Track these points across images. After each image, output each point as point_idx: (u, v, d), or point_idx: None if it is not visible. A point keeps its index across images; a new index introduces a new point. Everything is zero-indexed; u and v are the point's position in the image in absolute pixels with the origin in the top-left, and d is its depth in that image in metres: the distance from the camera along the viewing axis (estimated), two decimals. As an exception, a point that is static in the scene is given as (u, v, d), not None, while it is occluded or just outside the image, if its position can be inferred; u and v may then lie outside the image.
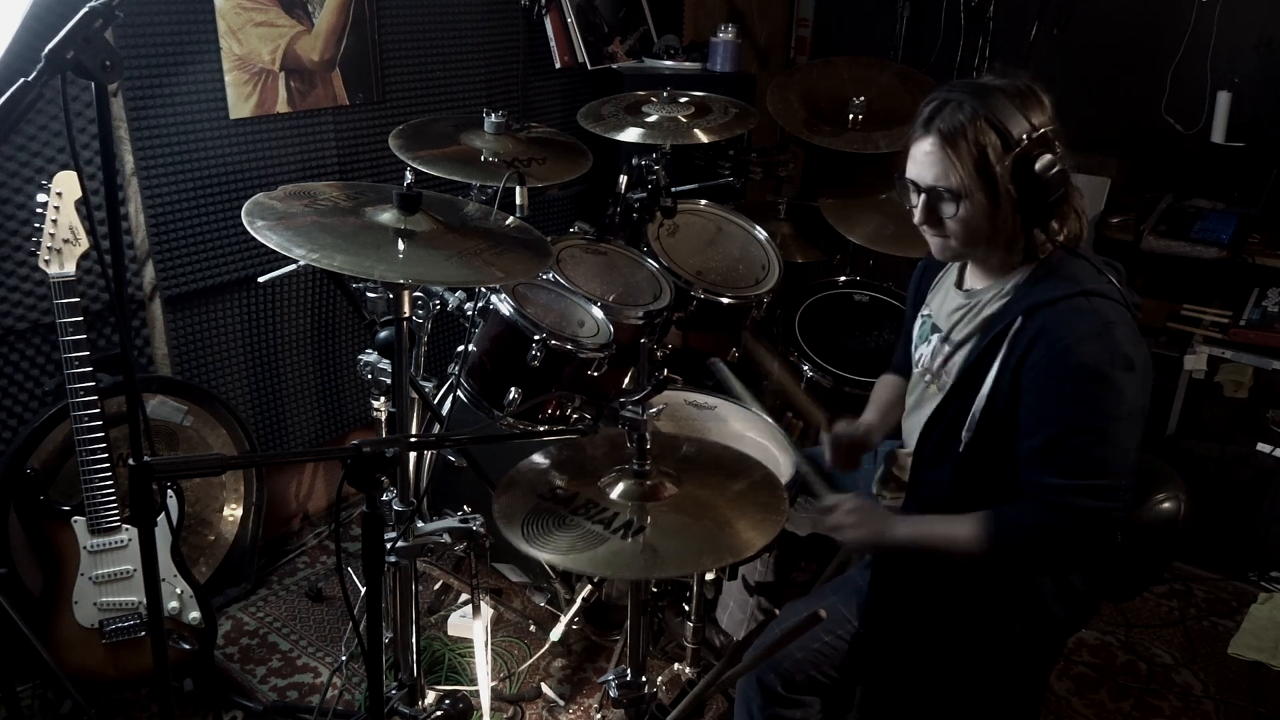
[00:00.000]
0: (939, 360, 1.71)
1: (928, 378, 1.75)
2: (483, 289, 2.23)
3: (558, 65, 3.27)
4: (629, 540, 1.46)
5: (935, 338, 1.75)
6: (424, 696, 2.09)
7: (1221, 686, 2.55)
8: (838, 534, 1.70)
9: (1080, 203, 1.61)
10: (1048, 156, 1.51)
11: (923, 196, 1.59)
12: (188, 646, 2.18)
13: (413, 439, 2.15)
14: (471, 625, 2.29)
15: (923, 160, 1.57)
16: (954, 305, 1.72)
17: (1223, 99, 3.32)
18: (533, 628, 2.53)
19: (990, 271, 1.67)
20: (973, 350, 1.62)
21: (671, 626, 2.34)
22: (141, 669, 2.15)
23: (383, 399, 2.27)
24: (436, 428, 2.24)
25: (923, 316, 1.83)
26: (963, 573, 1.65)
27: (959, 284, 1.75)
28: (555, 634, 2.32)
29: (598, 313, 2.36)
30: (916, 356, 1.81)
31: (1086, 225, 1.63)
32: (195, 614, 2.18)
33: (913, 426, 1.78)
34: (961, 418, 1.61)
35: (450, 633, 2.53)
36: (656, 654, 2.45)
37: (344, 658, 2.38)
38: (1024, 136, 1.51)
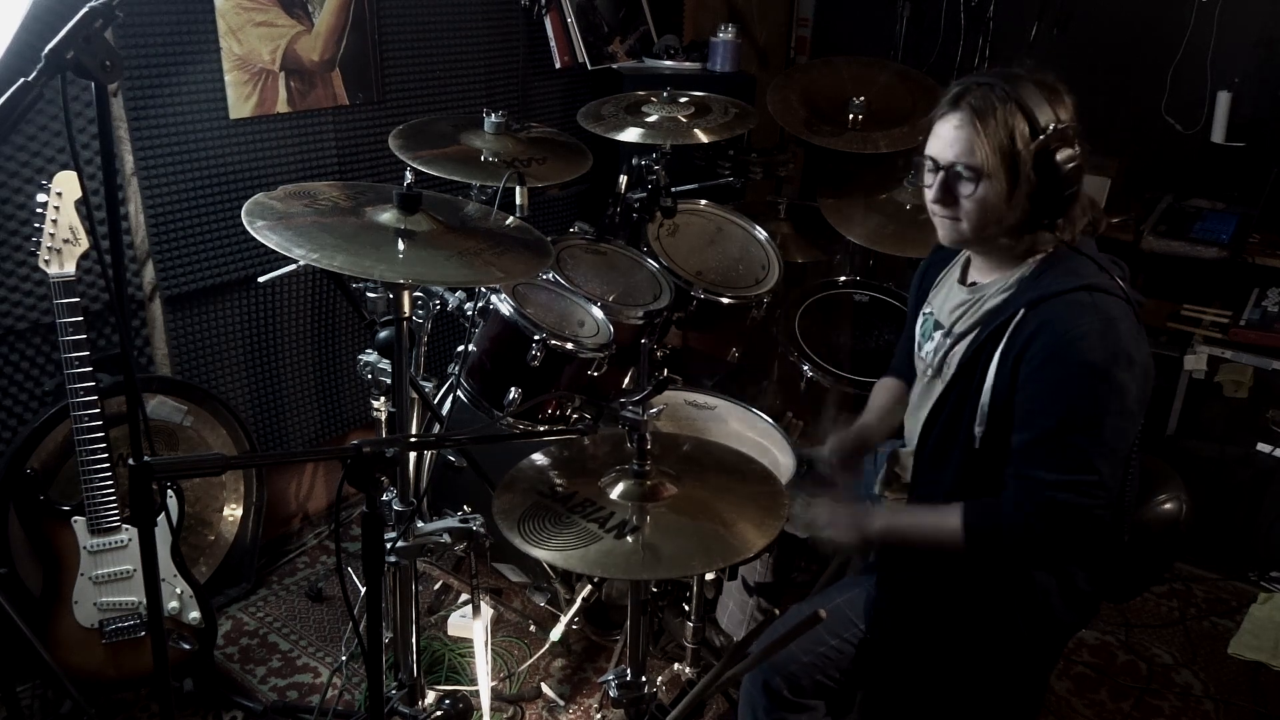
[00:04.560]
0: (940, 354, 1.71)
1: (930, 373, 1.74)
2: (483, 289, 2.23)
3: (558, 65, 3.27)
4: (622, 540, 1.46)
5: (938, 334, 1.75)
6: (424, 696, 2.09)
7: (1221, 686, 2.55)
8: (820, 536, 1.70)
9: (1091, 201, 1.62)
10: (1068, 150, 1.53)
11: (940, 174, 1.58)
12: (188, 646, 2.18)
13: (413, 439, 2.15)
14: (471, 625, 2.29)
15: (948, 137, 1.56)
16: (957, 300, 1.72)
17: (1223, 99, 3.32)
18: (533, 628, 2.53)
19: (994, 266, 1.67)
20: (973, 342, 1.62)
21: (671, 626, 2.34)
22: (141, 669, 2.15)
23: (383, 399, 2.27)
24: (436, 428, 2.24)
25: (924, 315, 1.83)
26: (968, 574, 1.65)
27: (962, 280, 1.74)
28: (555, 634, 2.32)
29: (598, 313, 2.36)
30: (922, 354, 1.81)
31: (1101, 221, 1.64)
32: (195, 614, 2.18)
33: (915, 425, 1.78)
34: (961, 411, 1.61)
35: (450, 633, 2.53)
36: (656, 654, 2.45)
37: (344, 658, 2.38)
38: (1049, 126, 1.52)
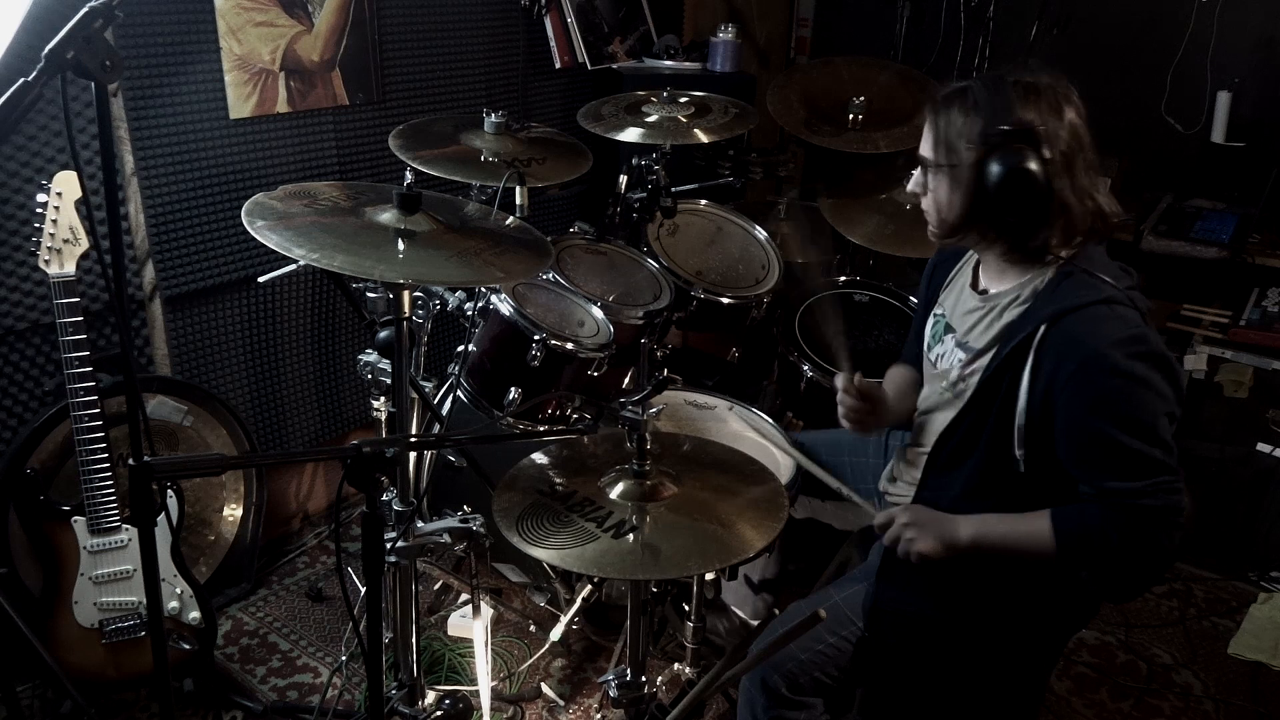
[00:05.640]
0: (957, 367, 1.69)
1: (944, 384, 1.73)
2: (483, 289, 2.23)
3: (558, 65, 3.27)
4: (621, 540, 1.46)
5: (950, 339, 1.74)
6: (424, 696, 2.09)
7: (1221, 686, 2.55)
8: (901, 547, 1.65)
9: (1099, 212, 1.57)
10: (1019, 154, 1.49)
11: (919, 167, 1.65)
12: (188, 646, 2.18)
13: (413, 439, 2.15)
14: (471, 625, 2.29)
15: (924, 131, 1.63)
16: (969, 307, 1.71)
17: (1223, 99, 3.32)
18: (533, 628, 2.53)
19: (1001, 274, 1.66)
20: (994, 359, 1.60)
21: (672, 626, 2.34)
22: (141, 669, 2.15)
23: (383, 399, 2.27)
24: (436, 428, 2.24)
25: (935, 315, 1.82)
26: (966, 574, 1.64)
27: (974, 285, 1.73)
28: (555, 634, 2.32)
29: (598, 313, 2.36)
30: (932, 357, 1.80)
31: (1105, 227, 1.61)
32: (195, 614, 2.18)
33: (925, 427, 1.78)
34: (981, 429, 1.60)
35: (450, 633, 2.53)
36: (656, 654, 2.45)
37: (344, 658, 2.38)
38: (1005, 128, 1.50)
